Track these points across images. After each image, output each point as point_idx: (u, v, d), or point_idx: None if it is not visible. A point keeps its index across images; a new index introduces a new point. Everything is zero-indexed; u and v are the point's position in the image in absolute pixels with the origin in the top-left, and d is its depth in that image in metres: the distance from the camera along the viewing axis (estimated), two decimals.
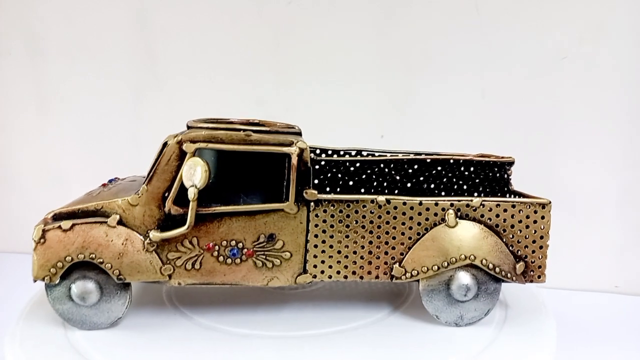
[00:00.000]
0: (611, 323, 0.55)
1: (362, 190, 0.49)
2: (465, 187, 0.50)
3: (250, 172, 0.39)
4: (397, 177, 0.49)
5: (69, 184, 0.71)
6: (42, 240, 0.36)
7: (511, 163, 0.48)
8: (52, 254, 0.36)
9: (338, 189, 0.49)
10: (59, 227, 0.37)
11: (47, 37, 0.68)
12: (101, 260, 0.37)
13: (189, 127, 0.40)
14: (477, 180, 0.50)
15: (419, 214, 0.40)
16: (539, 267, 0.41)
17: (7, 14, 0.68)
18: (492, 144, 0.55)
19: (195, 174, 0.35)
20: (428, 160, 0.49)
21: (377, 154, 0.50)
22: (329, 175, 0.49)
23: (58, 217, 0.38)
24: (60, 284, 0.37)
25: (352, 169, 0.49)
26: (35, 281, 0.37)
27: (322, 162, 0.48)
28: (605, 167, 0.61)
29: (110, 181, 0.43)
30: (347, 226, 0.39)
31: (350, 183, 0.50)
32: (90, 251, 0.36)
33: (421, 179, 0.50)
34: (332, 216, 0.39)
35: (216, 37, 0.66)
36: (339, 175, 0.49)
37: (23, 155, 0.71)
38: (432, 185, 0.50)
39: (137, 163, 0.69)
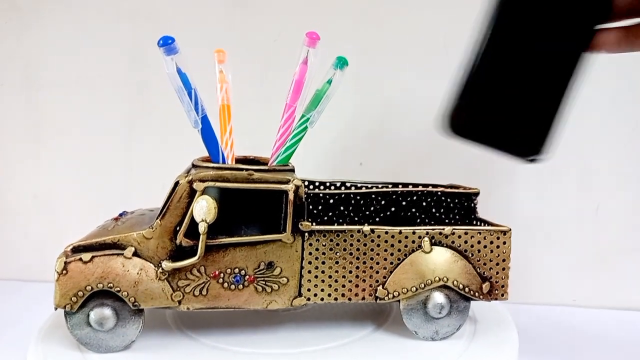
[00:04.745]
0: (569, 333, 0.62)
1: (342, 218, 0.55)
2: (437, 214, 0.56)
3: (250, 206, 0.44)
4: (378, 206, 0.55)
5: (61, 213, 0.73)
6: (64, 272, 0.40)
7: (477, 194, 0.54)
8: (74, 284, 0.40)
9: (325, 217, 0.55)
10: (80, 259, 0.40)
11: (41, 69, 0.71)
12: (119, 288, 0.41)
13: (194, 166, 0.45)
14: (447, 208, 0.56)
15: (399, 241, 0.45)
16: (502, 286, 0.47)
17: (2, 45, 0.70)
18: (457, 174, 0.61)
19: (205, 210, 0.40)
20: (414, 192, 0.54)
21: (359, 184, 0.56)
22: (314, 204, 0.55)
23: (77, 249, 0.42)
24: (79, 311, 0.41)
25: (333, 198, 0.55)
26: (56, 309, 0.41)
27: (321, 195, 0.53)
28: (560, 194, 0.68)
29: (120, 215, 0.47)
30: (337, 253, 0.44)
31: (334, 212, 0.55)
32: (108, 281, 0.40)
33: (399, 207, 0.56)
34: (324, 245, 0.44)
35: (205, 71, 0.70)
36: (325, 205, 0.55)
37: (15, 184, 0.73)
38: (409, 213, 0.56)
39: (128, 193, 0.72)
